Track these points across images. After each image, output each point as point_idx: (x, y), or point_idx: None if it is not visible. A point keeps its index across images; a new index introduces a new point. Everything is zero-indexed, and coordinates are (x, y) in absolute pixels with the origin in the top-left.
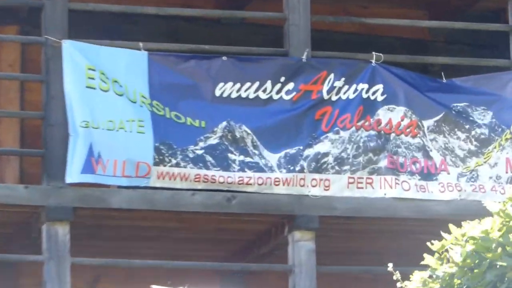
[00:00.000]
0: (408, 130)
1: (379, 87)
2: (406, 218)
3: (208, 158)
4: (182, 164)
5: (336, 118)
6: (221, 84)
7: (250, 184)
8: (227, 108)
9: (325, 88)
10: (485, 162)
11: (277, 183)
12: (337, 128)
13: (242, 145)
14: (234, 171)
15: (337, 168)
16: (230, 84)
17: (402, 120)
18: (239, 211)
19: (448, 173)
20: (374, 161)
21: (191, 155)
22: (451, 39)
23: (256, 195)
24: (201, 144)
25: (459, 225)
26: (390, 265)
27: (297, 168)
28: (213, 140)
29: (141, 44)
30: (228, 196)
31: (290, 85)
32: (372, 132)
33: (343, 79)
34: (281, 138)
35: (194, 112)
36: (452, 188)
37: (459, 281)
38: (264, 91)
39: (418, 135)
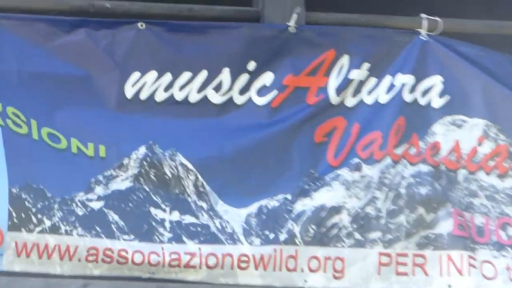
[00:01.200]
0: (492, 163)
1: (436, 81)
2: None
3: (113, 216)
4: (64, 228)
5: (355, 141)
6: (136, 75)
7: (193, 267)
8: (147, 122)
9: (333, 82)
10: None
11: (244, 264)
12: (356, 160)
13: (177, 192)
14: (162, 242)
15: (357, 236)
16: (152, 75)
17: (480, 144)
18: None
19: None
20: (428, 223)
21: (80, 212)
22: None
23: None
24: (99, 190)
25: None
26: None
27: (282, 237)
28: (122, 183)
29: None
30: None
31: (267, 78)
32: (424, 167)
33: (366, 65)
34: (251, 178)
35: (84, 129)
36: None
37: None
38: (218, 88)
39: (511, 172)
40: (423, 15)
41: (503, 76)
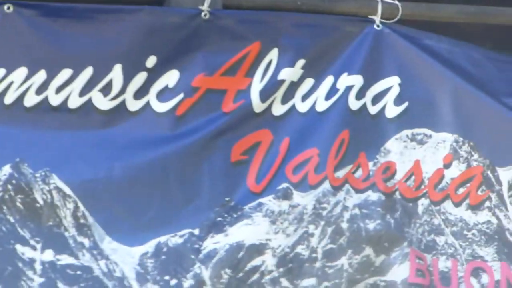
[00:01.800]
0: (462, 190)
1: (391, 83)
2: None
3: None
4: None
5: (283, 161)
6: (0, 73)
7: None
8: (13, 134)
9: (257, 84)
10: None
11: None
12: (285, 185)
13: (50, 225)
14: None
15: (285, 283)
16: (21, 73)
17: (447, 165)
18: None
19: None
20: (377, 268)
21: None
22: None
23: None
24: None
25: None
26: None
27: (187, 284)
28: None
29: None
30: None
31: (171, 78)
32: (373, 195)
33: (301, 62)
34: (147, 208)
35: None
36: None
37: None
38: (106, 90)
39: (487, 203)
40: None
41: (482, 79)
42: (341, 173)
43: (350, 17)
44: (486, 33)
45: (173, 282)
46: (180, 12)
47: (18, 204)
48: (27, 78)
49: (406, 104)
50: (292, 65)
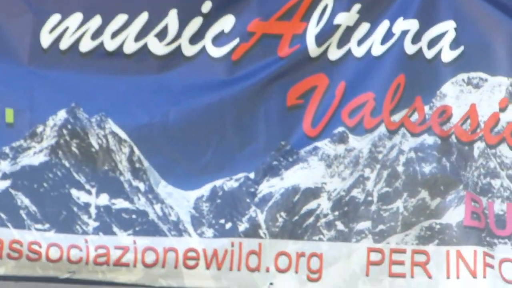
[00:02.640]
0: None
1: (447, 27)
2: None
3: (22, 200)
4: None
5: (339, 105)
6: (55, 18)
7: (126, 265)
8: (69, 79)
9: (313, 29)
10: None
11: (192, 262)
12: (341, 129)
13: (106, 169)
14: (85, 233)
15: (340, 227)
16: (76, 18)
17: (503, 109)
18: None
19: None
20: (432, 211)
21: None
22: None
23: None
24: (4, 166)
25: None
26: None
27: (242, 227)
28: (35, 156)
29: None
30: None
31: (226, 22)
32: (429, 139)
33: (357, 6)
34: (202, 152)
35: None
36: None
37: None
38: (162, 35)
39: None
40: None
41: None
42: (397, 117)
43: None
44: None
45: (228, 225)
46: None
47: (73, 148)
48: (83, 23)
49: (462, 48)
50: (348, 9)
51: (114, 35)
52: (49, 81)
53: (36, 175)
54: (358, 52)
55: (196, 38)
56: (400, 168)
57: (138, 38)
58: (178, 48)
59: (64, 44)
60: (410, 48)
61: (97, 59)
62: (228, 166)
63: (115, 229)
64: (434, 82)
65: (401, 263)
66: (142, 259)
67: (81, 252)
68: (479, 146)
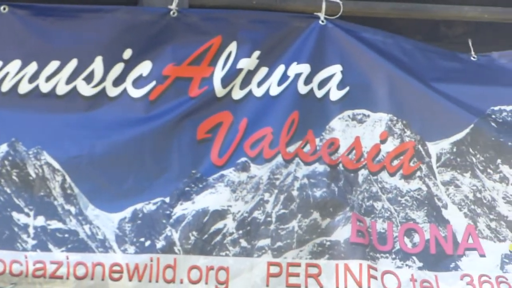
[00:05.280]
0: (396, 162)
1: (334, 70)
2: None
3: None
4: None
5: (242, 138)
6: None
7: (60, 277)
8: (9, 117)
9: (219, 73)
10: None
11: (116, 275)
12: (244, 159)
13: (42, 195)
14: (25, 250)
15: (244, 243)
16: (15, 64)
17: (383, 141)
18: None
19: (482, 255)
20: (323, 229)
21: None
22: None
23: None
24: None
25: None
26: None
27: (159, 245)
28: None
29: None
30: None
31: (144, 67)
32: (320, 167)
33: (257, 53)
34: (125, 180)
35: None
36: (490, 285)
37: None
38: (89, 79)
39: (418, 173)
40: None
41: (412, 66)
42: (292, 148)
43: (298, 14)
44: (416, 27)
45: (148, 243)
46: (152, 11)
47: (13, 177)
48: (21, 69)
49: (347, 88)
50: (249, 55)
51: (48, 78)
52: None
53: None
54: (258, 92)
55: (118, 81)
56: (295, 193)
57: (68, 81)
58: (103, 90)
59: (4, 87)
60: (302, 89)
61: (34, 99)
62: (146, 192)
63: (50, 246)
64: (324, 118)
65: (297, 275)
66: (74, 272)
67: (22, 266)
68: (363, 173)
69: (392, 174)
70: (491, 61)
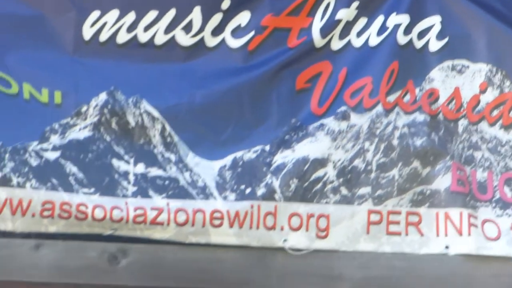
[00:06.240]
0: (496, 112)
1: (434, 21)
2: None
3: (70, 168)
4: (16, 180)
5: (342, 87)
6: (95, 14)
7: (160, 224)
8: (108, 66)
9: (318, 23)
10: None
11: (217, 222)
12: (343, 108)
13: (141, 143)
14: (125, 196)
15: (344, 191)
16: (113, 14)
17: (483, 91)
18: (135, 284)
19: None
20: (423, 178)
21: (33, 162)
22: None
23: (173, 249)
24: (55, 140)
25: None
26: None
27: (260, 192)
28: (80, 132)
29: None
30: (113, 251)
31: (243, 18)
32: (420, 117)
33: (355, 3)
34: (224, 128)
35: (38, 74)
36: None
37: None
38: (187, 29)
39: None
40: None
41: (510, 18)
42: (392, 98)
43: None
44: None
45: (248, 190)
46: None
47: (113, 125)
48: (119, 18)
49: (447, 38)
50: (347, 6)
51: (146, 28)
52: (91, 68)
53: (81, 147)
54: (357, 42)
55: (217, 31)
56: (395, 142)
57: (167, 31)
58: (202, 39)
59: (103, 37)
60: (402, 39)
61: (132, 49)
62: (246, 140)
63: (151, 193)
64: (423, 68)
65: (397, 223)
66: (174, 219)
67: (122, 212)
68: (462, 123)
69: (491, 125)
70: None
